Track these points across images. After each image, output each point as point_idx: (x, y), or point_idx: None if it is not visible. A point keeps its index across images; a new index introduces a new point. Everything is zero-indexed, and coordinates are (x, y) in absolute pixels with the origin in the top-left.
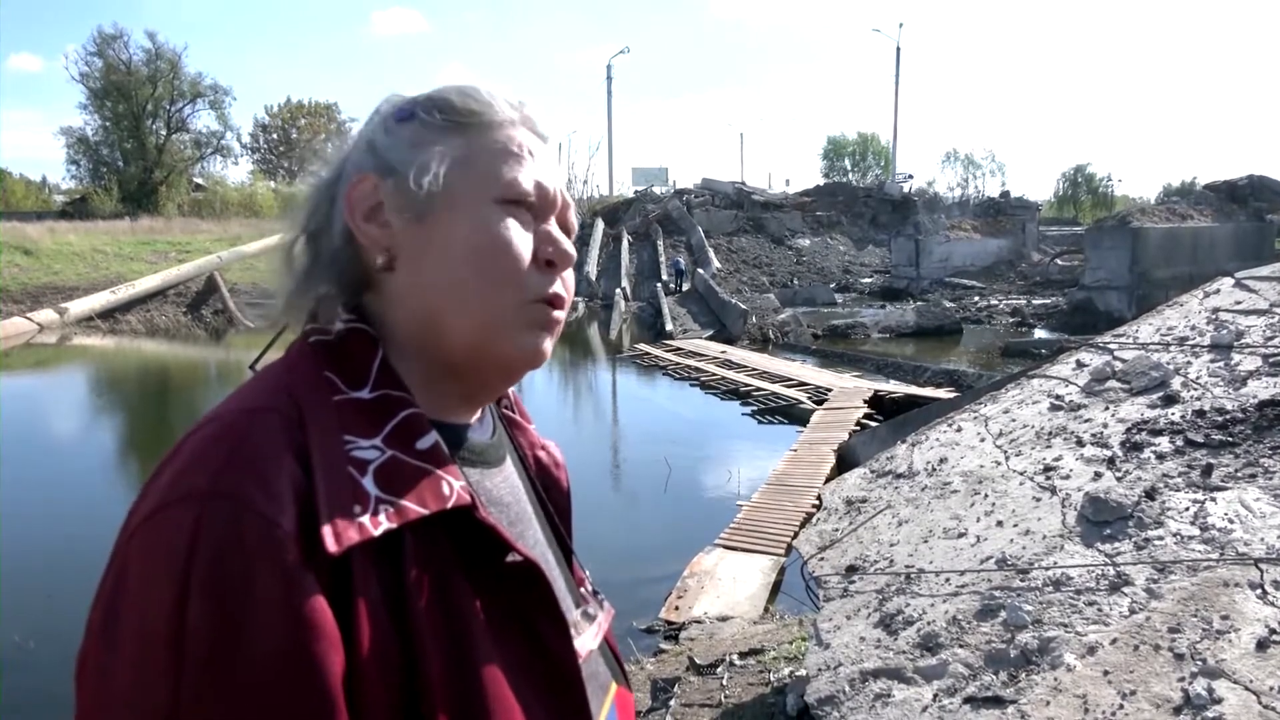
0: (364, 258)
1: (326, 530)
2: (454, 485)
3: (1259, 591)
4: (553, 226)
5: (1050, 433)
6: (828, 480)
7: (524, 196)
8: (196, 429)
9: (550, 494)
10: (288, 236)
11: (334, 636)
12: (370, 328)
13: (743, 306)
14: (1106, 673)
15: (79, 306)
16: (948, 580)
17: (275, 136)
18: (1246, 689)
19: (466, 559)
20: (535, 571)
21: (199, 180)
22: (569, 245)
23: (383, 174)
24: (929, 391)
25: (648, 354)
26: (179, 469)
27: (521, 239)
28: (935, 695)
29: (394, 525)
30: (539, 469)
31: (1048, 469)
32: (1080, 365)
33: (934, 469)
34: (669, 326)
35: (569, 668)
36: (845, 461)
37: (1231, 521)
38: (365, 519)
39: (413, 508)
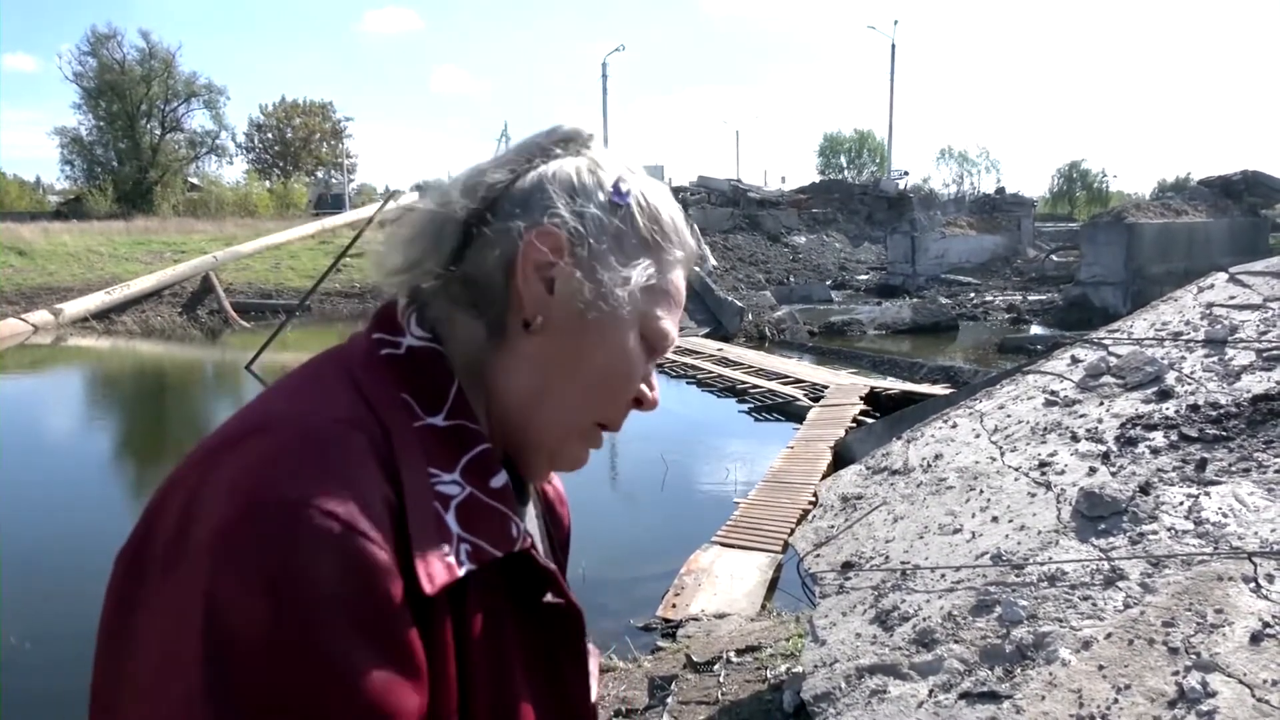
0: (512, 293)
1: (421, 569)
2: (520, 528)
3: (1252, 585)
4: (653, 371)
5: (1045, 428)
6: (824, 477)
7: (663, 345)
8: (260, 427)
9: (551, 530)
10: (447, 208)
11: (423, 676)
12: (442, 348)
13: (739, 304)
14: (1101, 667)
15: (74, 307)
16: (943, 576)
17: (270, 136)
18: (1240, 682)
19: (514, 599)
20: (575, 616)
21: (194, 180)
22: (657, 393)
23: (575, 243)
24: (925, 388)
25: None
26: (259, 473)
27: (639, 379)
28: (931, 691)
29: (473, 567)
30: (544, 504)
31: (1043, 464)
32: (1075, 361)
33: (929, 465)
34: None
35: (585, 714)
36: (842, 458)
37: (1225, 516)
38: (450, 559)
39: (488, 550)
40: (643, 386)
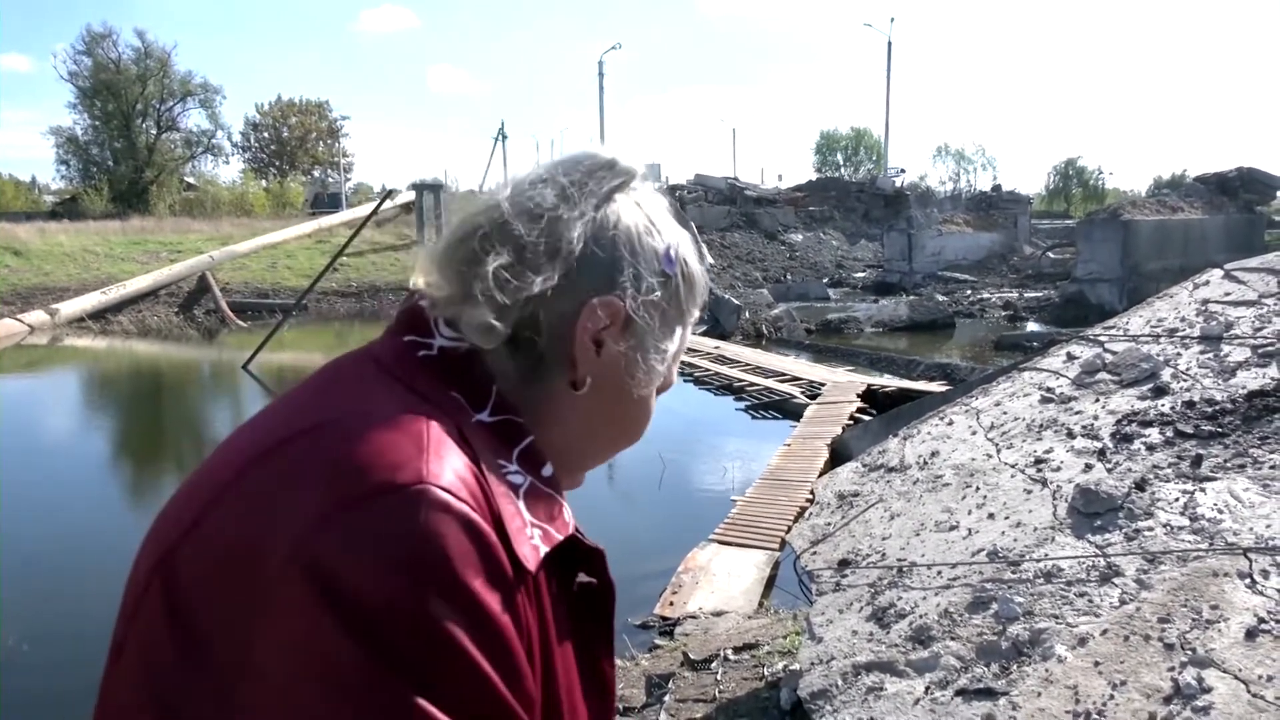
0: (560, 349)
1: (518, 548)
2: (569, 512)
3: (1248, 581)
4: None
5: (1041, 425)
6: (821, 475)
7: (669, 387)
8: (329, 421)
9: None
10: (531, 238)
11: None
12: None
13: (736, 302)
14: (1097, 663)
15: (70, 307)
16: (939, 573)
17: (266, 135)
18: (1236, 678)
19: (558, 578)
20: (609, 594)
21: (190, 179)
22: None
23: (631, 313)
24: (921, 385)
25: None
26: (358, 460)
27: (650, 417)
28: (927, 688)
29: (547, 549)
30: None
31: (1039, 461)
32: (1071, 358)
33: (926, 462)
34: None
35: (611, 690)
36: (839, 456)
37: (1221, 512)
38: (534, 541)
39: (554, 533)
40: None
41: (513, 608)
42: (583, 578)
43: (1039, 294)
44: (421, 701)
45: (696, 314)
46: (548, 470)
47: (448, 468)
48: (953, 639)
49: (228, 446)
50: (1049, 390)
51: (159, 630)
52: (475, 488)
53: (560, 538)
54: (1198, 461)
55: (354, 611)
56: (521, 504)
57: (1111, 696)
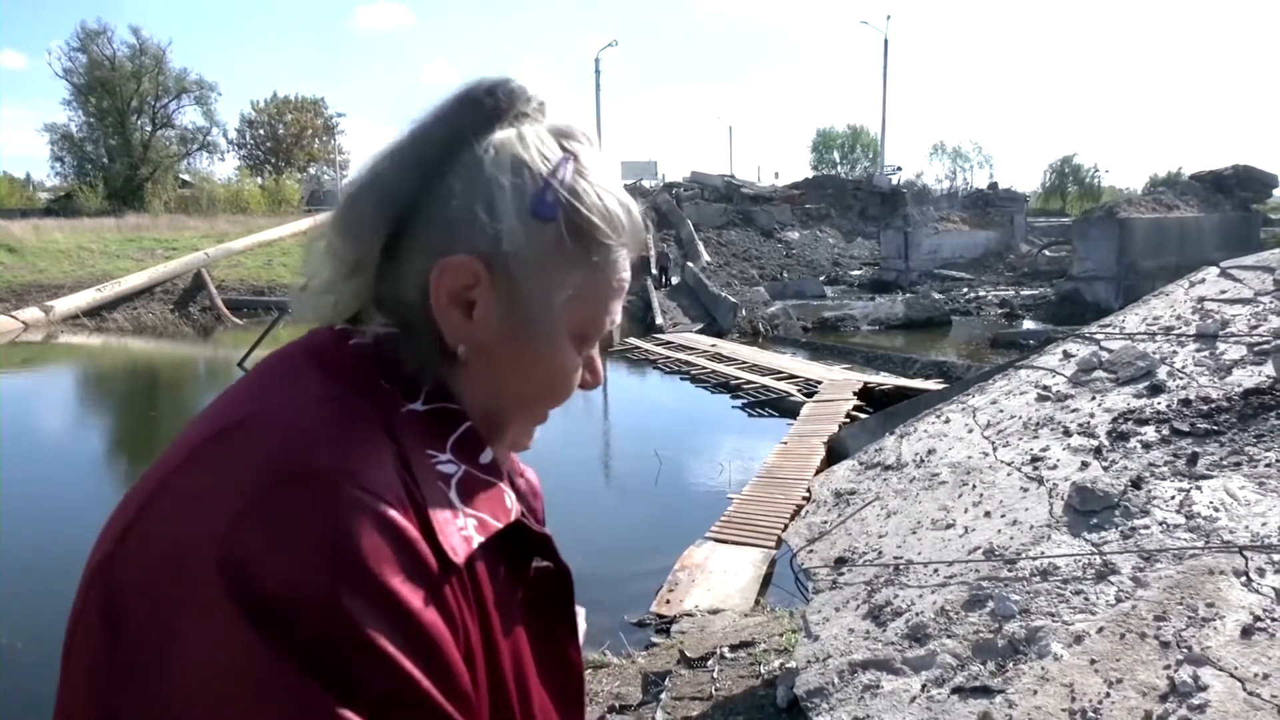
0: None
1: (444, 541)
2: (512, 498)
3: (1244, 579)
4: (596, 350)
5: (1037, 423)
6: (818, 473)
7: (600, 335)
8: (257, 411)
9: None
10: (357, 229)
11: (457, 637)
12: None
13: (733, 300)
14: (1093, 661)
15: (65, 305)
16: (936, 571)
17: (262, 132)
18: (1232, 676)
19: (508, 565)
20: (566, 579)
21: (185, 177)
22: (600, 374)
23: (491, 266)
24: (918, 383)
25: (638, 348)
26: (277, 447)
27: (577, 370)
28: (923, 686)
29: (482, 539)
30: (517, 495)
31: (1035, 459)
32: (1067, 356)
33: (922, 460)
34: (659, 320)
35: (578, 674)
36: (835, 454)
37: (1217, 510)
38: (465, 531)
39: (491, 522)
40: (588, 374)
41: (439, 602)
42: (539, 562)
43: (1035, 292)
44: (337, 703)
45: (620, 245)
46: (486, 457)
47: (365, 460)
48: (949, 637)
49: (169, 448)
50: (1045, 388)
51: (96, 635)
52: (394, 480)
53: (499, 525)
54: (1194, 459)
55: (264, 609)
56: (454, 494)
57: (1108, 694)
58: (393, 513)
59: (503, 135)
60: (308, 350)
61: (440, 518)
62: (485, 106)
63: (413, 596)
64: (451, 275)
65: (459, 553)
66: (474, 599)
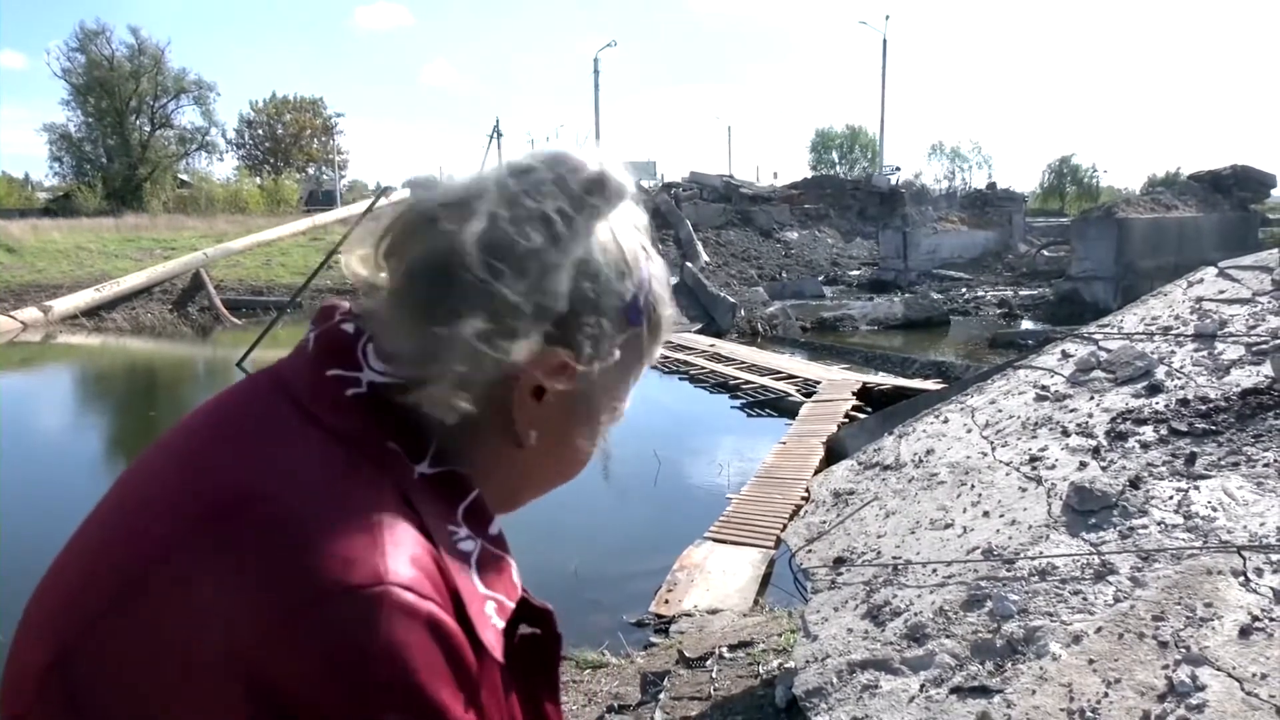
0: (500, 394)
1: (483, 636)
2: (517, 572)
3: (1242, 579)
4: None
5: (1036, 423)
6: (817, 473)
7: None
8: (256, 496)
9: None
10: (517, 295)
11: None
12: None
13: (731, 300)
14: (1091, 661)
15: (63, 304)
16: (934, 571)
17: (261, 132)
18: (1230, 676)
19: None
20: (553, 646)
21: (184, 177)
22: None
23: (578, 359)
24: (917, 383)
25: None
26: (300, 553)
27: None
28: (922, 686)
29: (502, 624)
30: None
31: (1033, 459)
32: (1066, 356)
33: (921, 460)
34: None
35: None
36: (834, 454)
37: (1215, 510)
38: (493, 620)
39: (506, 603)
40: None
41: (476, 702)
42: (524, 629)
43: (1034, 292)
44: None
45: (658, 353)
46: (495, 528)
47: (405, 556)
48: (948, 637)
49: (133, 499)
50: (1044, 388)
51: None
52: (434, 571)
53: (512, 605)
54: (1192, 459)
55: None
56: (474, 575)
57: (1106, 694)
58: (441, 615)
59: (604, 235)
60: (294, 398)
61: (475, 609)
62: (607, 192)
63: (454, 704)
64: (546, 362)
65: (496, 649)
66: (489, 685)
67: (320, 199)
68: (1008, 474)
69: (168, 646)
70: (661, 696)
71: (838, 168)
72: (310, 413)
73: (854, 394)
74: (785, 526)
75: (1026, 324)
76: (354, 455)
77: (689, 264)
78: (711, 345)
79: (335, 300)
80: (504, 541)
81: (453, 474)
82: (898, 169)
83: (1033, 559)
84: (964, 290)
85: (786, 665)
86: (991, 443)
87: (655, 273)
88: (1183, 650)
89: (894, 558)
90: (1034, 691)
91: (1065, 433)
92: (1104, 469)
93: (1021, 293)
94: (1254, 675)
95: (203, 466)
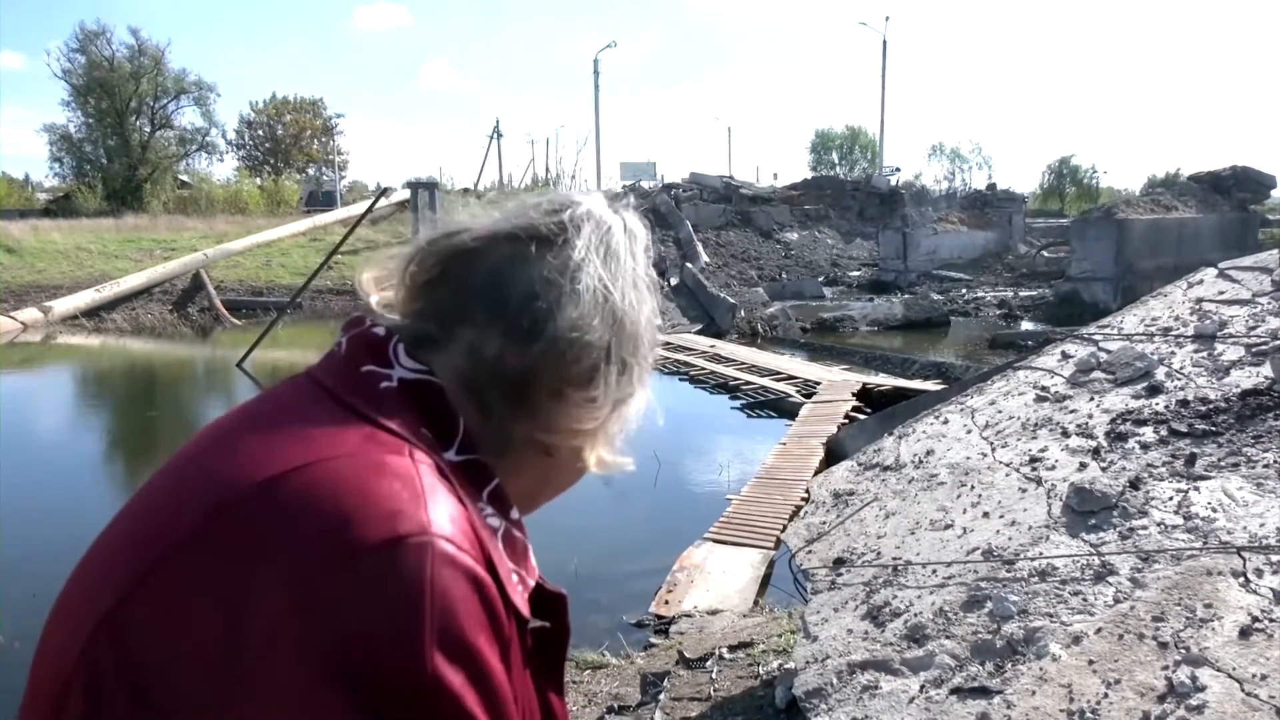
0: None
1: (514, 597)
2: (533, 556)
3: (1242, 580)
4: None
5: (1036, 424)
6: (816, 473)
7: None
8: (313, 460)
9: None
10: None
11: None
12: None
13: (731, 301)
14: (1091, 662)
15: (63, 305)
16: (934, 572)
17: (261, 133)
18: (1230, 676)
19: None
20: (561, 638)
21: (184, 177)
22: None
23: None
24: (917, 384)
25: None
26: (352, 511)
27: None
28: (922, 686)
29: (526, 596)
30: None
31: (1033, 460)
32: (1065, 356)
33: (921, 461)
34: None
35: None
36: (834, 454)
37: (1215, 510)
38: (519, 587)
39: (528, 579)
40: None
41: (508, 658)
42: (535, 623)
43: (1033, 293)
44: None
45: (654, 359)
46: (515, 513)
47: (445, 514)
48: (947, 638)
49: (160, 495)
50: (1044, 389)
51: (105, 698)
52: (471, 533)
53: (532, 584)
54: (1192, 460)
55: (356, 680)
56: (501, 548)
57: (1106, 695)
58: (480, 570)
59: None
60: (329, 391)
61: (504, 571)
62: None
63: (494, 657)
64: (581, 407)
65: (525, 609)
66: (516, 647)
67: (320, 199)
68: (1008, 475)
69: (218, 609)
70: (661, 697)
71: (838, 168)
72: (345, 402)
73: (854, 395)
74: (785, 527)
75: (1026, 325)
76: (390, 434)
77: (689, 265)
78: (711, 346)
79: (362, 311)
80: (523, 526)
81: (476, 462)
82: (898, 170)
83: (1033, 560)
84: (964, 291)
85: (786, 666)
86: (991, 443)
87: (644, 302)
88: (1183, 651)
89: (894, 558)
90: (1034, 692)
91: (1065, 433)
92: (1104, 470)
93: (1021, 293)
94: (1254, 676)
95: (248, 444)
